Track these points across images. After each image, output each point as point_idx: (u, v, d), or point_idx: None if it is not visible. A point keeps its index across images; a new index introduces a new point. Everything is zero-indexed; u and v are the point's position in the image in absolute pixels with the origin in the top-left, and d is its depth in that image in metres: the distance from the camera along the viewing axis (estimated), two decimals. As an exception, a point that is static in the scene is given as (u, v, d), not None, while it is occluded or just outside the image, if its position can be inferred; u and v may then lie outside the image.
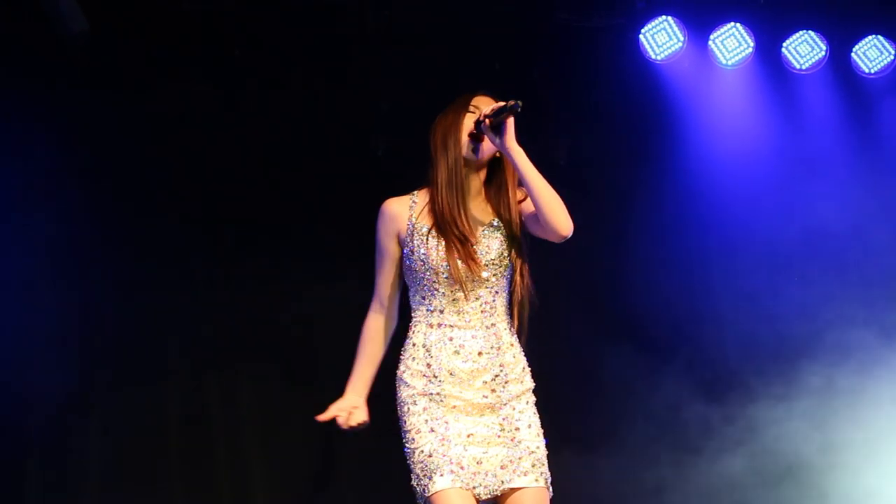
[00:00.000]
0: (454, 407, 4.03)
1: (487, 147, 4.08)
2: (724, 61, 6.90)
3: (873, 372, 6.75)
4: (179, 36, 6.30)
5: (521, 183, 4.12)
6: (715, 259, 6.82)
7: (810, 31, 6.94)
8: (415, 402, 4.05)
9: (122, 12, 6.21)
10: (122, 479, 6.16)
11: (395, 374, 4.12)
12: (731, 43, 6.88)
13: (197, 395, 6.33)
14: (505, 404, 4.05)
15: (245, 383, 6.37)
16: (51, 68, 6.11)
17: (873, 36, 7.00)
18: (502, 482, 3.99)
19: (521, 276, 4.14)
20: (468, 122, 4.09)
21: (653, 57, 6.85)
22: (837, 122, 7.02)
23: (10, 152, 6.10)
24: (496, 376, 4.06)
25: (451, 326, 4.07)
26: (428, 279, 4.07)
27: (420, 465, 3.98)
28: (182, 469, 6.27)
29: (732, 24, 6.87)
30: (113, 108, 6.22)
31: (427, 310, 4.09)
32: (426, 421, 4.01)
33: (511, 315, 4.14)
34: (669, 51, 6.85)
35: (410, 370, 4.07)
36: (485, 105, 4.10)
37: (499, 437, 4.02)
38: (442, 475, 3.94)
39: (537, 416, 4.10)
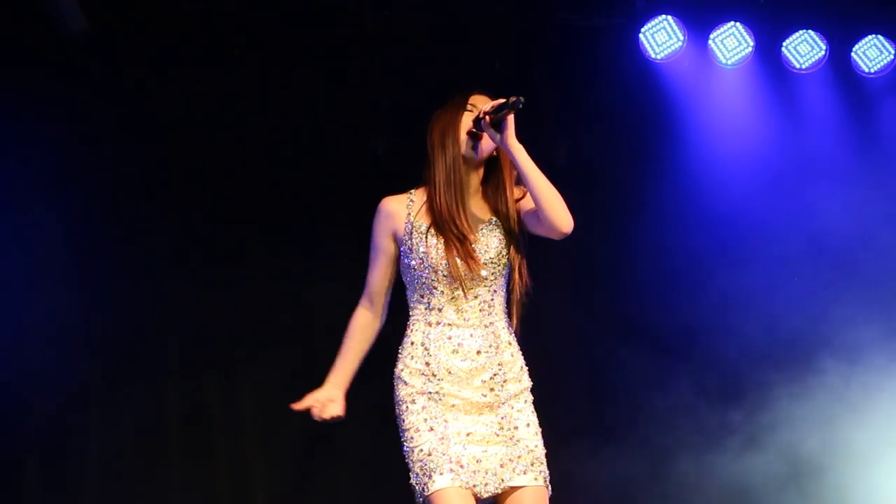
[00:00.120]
0: (453, 406, 4.02)
1: (486, 145, 4.07)
2: (723, 60, 6.90)
3: (886, 370, 6.76)
4: (179, 36, 6.30)
5: (519, 181, 4.12)
6: (714, 257, 6.82)
7: (810, 31, 6.95)
8: (413, 400, 4.04)
9: (122, 12, 6.22)
10: (122, 479, 6.17)
11: (393, 372, 4.11)
12: (731, 42, 6.88)
13: (197, 395, 6.33)
14: (503, 403, 4.05)
15: (245, 383, 6.37)
16: (50, 68, 6.11)
17: (873, 35, 7.00)
18: (502, 480, 3.98)
19: (520, 274, 4.13)
20: (466, 121, 4.08)
21: (653, 56, 6.85)
22: (837, 121, 7.02)
23: (9, 152, 6.10)
24: (494, 375, 4.06)
25: (449, 325, 4.06)
26: (427, 277, 4.07)
27: (419, 464, 3.97)
28: (182, 469, 6.27)
29: (732, 23, 6.87)
30: (113, 107, 6.23)
31: (426, 308, 4.09)
32: (425, 420, 4.00)
33: (509, 314, 4.14)
34: (669, 50, 6.85)
35: (409, 369, 4.07)
36: (482, 103, 4.09)
37: (497, 435, 4.02)
38: (441, 474, 3.93)
39: (535, 414, 4.09)
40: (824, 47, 6.96)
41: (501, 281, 4.11)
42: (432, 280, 4.06)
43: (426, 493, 3.93)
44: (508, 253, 4.10)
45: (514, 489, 4.00)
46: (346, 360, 4.19)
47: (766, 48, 6.94)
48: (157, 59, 6.26)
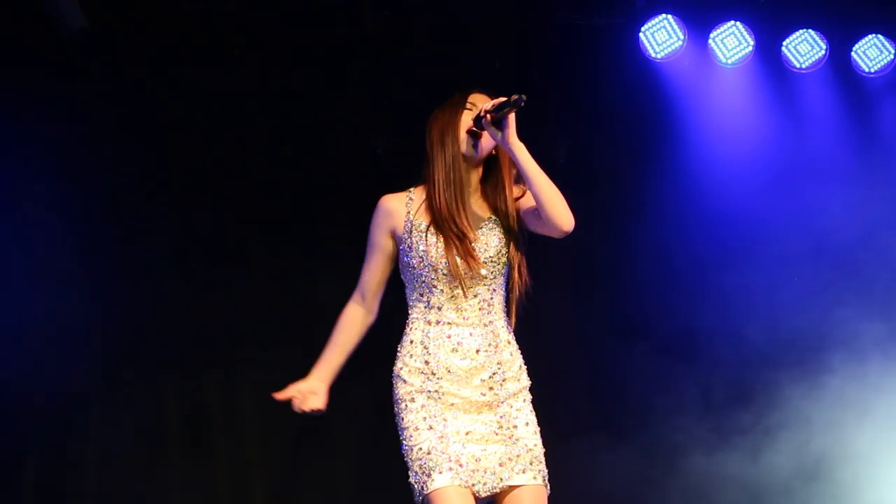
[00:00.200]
0: (452, 404, 4.01)
1: (486, 143, 4.07)
2: (724, 60, 6.90)
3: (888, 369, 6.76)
4: (179, 36, 6.30)
5: (518, 179, 4.12)
6: (714, 256, 6.82)
7: (810, 30, 6.95)
8: (413, 399, 4.03)
9: (121, 12, 6.22)
10: (122, 479, 6.16)
11: (392, 371, 4.11)
12: (731, 41, 6.88)
13: (197, 395, 6.33)
14: (502, 402, 4.04)
15: (245, 383, 6.37)
16: (50, 67, 6.11)
17: (873, 35, 7.01)
18: (501, 479, 3.98)
19: (519, 273, 4.13)
20: (466, 119, 4.07)
21: (653, 55, 6.85)
22: (837, 121, 7.02)
23: (9, 151, 6.10)
24: (493, 374, 4.05)
25: (449, 324, 4.06)
26: (426, 276, 4.06)
27: (418, 463, 3.96)
28: (182, 468, 6.26)
29: (732, 22, 6.87)
30: (113, 107, 6.23)
31: (425, 307, 4.08)
32: (424, 418, 4.00)
33: (508, 312, 4.13)
34: (669, 49, 6.85)
35: (408, 367, 4.06)
36: (481, 102, 4.09)
37: (497, 434, 4.01)
38: (441, 473, 3.93)
39: (534, 413, 4.09)
40: (824, 47, 6.96)
41: (501, 280, 4.11)
42: (432, 279, 4.06)
43: (425, 492, 3.92)
44: (508, 251, 4.10)
45: (512, 488, 3.99)
46: (333, 354, 4.18)
47: (766, 47, 6.94)
48: (157, 59, 6.27)
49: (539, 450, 4.05)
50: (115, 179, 6.26)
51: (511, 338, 4.12)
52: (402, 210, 4.12)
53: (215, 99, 6.36)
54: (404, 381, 4.06)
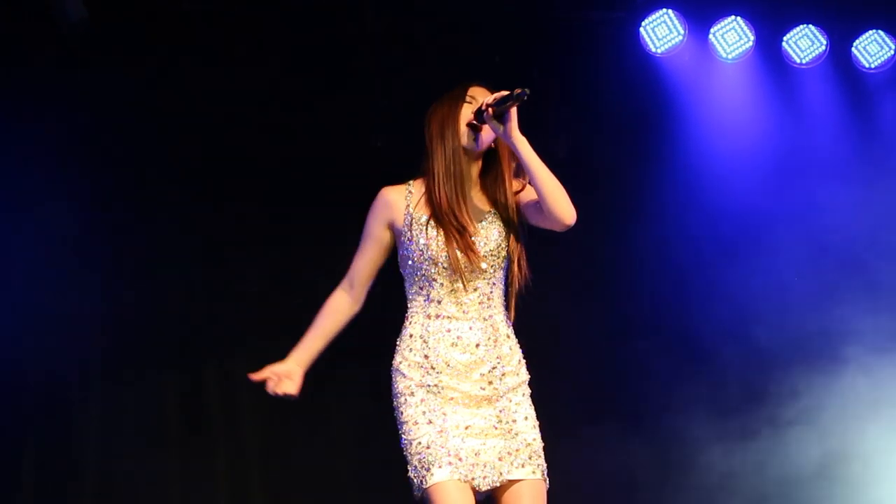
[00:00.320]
0: (451, 398, 4.01)
1: (486, 136, 4.06)
2: (724, 55, 6.90)
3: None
4: (180, 35, 6.29)
5: (517, 173, 4.12)
6: (713, 251, 6.82)
7: (811, 26, 6.95)
8: (412, 393, 4.02)
9: (121, 12, 6.21)
10: (121, 477, 6.15)
11: (391, 365, 4.10)
12: (732, 37, 6.89)
13: (197, 393, 6.32)
14: (502, 396, 4.03)
15: (245, 382, 6.32)
16: (50, 58, 6.11)
17: (874, 31, 7.01)
18: (500, 473, 3.98)
19: (519, 266, 4.12)
20: (465, 112, 4.07)
21: (653, 50, 6.85)
22: (837, 116, 7.02)
23: (8, 144, 6.09)
24: (493, 368, 4.05)
25: (448, 318, 4.05)
26: (426, 269, 4.05)
27: (417, 457, 3.96)
28: (181, 466, 6.26)
29: (733, 17, 6.87)
30: (113, 101, 6.22)
31: (424, 300, 4.07)
32: (424, 412, 3.99)
33: (507, 306, 4.13)
34: (670, 44, 6.85)
35: (407, 361, 4.05)
36: (480, 95, 4.09)
37: (496, 428, 4.01)
38: (440, 467, 3.92)
39: (533, 408, 4.08)
40: (825, 42, 6.96)
41: (500, 273, 4.10)
42: (432, 272, 4.05)
43: (424, 486, 3.92)
44: (507, 245, 4.09)
45: (511, 482, 3.99)
46: (314, 340, 4.18)
47: (766, 43, 6.94)
48: (157, 58, 6.25)
49: (538, 444, 4.04)
50: (115, 174, 6.25)
51: (510, 332, 4.12)
52: (401, 203, 4.11)
53: (215, 95, 6.35)
54: (403, 375, 4.05)
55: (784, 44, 6.97)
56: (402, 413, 4.02)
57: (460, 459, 3.94)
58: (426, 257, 4.04)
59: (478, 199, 4.12)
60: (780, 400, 6.80)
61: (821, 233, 6.83)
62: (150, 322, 6.25)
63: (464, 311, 4.06)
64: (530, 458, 4.01)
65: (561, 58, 6.73)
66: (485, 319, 4.07)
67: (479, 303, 4.07)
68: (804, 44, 6.97)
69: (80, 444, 6.17)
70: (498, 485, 3.99)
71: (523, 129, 3.97)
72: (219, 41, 6.36)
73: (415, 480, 3.96)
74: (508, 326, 4.11)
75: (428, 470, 3.93)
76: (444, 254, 4.03)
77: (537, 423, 4.07)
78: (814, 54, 6.97)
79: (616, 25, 6.78)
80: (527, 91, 3.89)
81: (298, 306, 6.26)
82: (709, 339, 6.79)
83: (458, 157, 4.06)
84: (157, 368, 6.27)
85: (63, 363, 6.13)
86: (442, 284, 4.06)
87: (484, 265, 4.06)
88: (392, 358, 4.10)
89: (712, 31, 6.89)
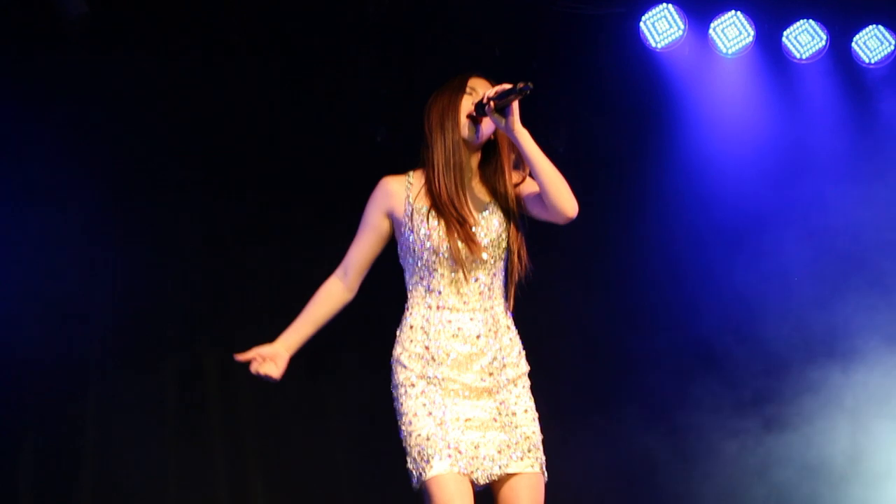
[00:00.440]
0: (452, 390, 4.00)
1: (486, 128, 4.06)
2: (724, 50, 6.90)
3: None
4: (179, 24, 6.29)
5: (517, 165, 4.12)
6: (712, 243, 6.82)
7: (811, 21, 6.95)
8: (413, 384, 4.02)
9: (122, 5, 6.22)
10: (120, 474, 6.15)
11: (392, 356, 4.11)
12: (732, 31, 6.89)
13: (197, 390, 6.31)
14: (502, 388, 4.04)
15: (245, 377, 6.32)
16: (50, 53, 6.10)
17: (874, 26, 7.01)
18: (499, 466, 3.98)
19: (519, 257, 4.12)
20: (465, 104, 4.06)
21: (653, 45, 6.86)
22: (837, 111, 7.02)
23: (8, 138, 6.09)
24: (494, 359, 4.05)
25: (449, 309, 4.05)
26: (427, 259, 4.05)
27: (417, 449, 3.95)
28: (180, 461, 6.26)
29: (733, 12, 6.87)
30: (113, 93, 6.21)
31: (425, 290, 4.07)
32: (424, 404, 3.99)
33: (507, 297, 4.14)
34: (670, 39, 6.86)
35: (408, 352, 4.05)
36: (480, 86, 4.09)
37: (496, 421, 4.01)
38: (440, 459, 3.92)
39: (532, 400, 4.09)
40: (825, 37, 6.96)
41: (501, 264, 4.10)
42: (433, 262, 4.05)
43: (423, 478, 3.92)
44: (507, 236, 4.09)
45: (510, 475, 3.99)
46: (304, 325, 4.17)
47: (766, 38, 6.94)
48: (157, 47, 6.25)
49: (537, 437, 4.05)
50: (115, 167, 6.25)
51: (510, 323, 4.12)
52: (402, 193, 4.11)
53: (215, 88, 6.34)
54: (404, 367, 4.05)
55: (784, 39, 6.97)
56: (401, 404, 4.01)
57: (460, 452, 3.95)
58: (427, 247, 4.04)
59: (478, 189, 4.12)
60: (790, 394, 6.80)
61: (818, 227, 6.83)
62: (149, 313, 6.25)
63: (464, 302, 4.06)
64: (529, 452, 4.01)
65: (561, 52, 6.73)
66: (485, 310, 4.07)
67: (480, 293, 4.07)
68: (804, 39, 6.98)
69: (80, 434, 6.16)
70: (496, 478, 4.00)
71: (523, 123, 3.97)
72: (219, 34, 6.36)
73: (414, 472, 3.95)
74: (508, 317, 4.11)
75: (427, 462, 3.93)
76: (446, 244, 4.02)
77: (537, 415, 4.06)
78: (814, 49, 6.97)
79: (616, 20, 6.78)
80: (530, 85, 3.89)
81: (298, 299, 6.33)
82: (712, 330, 6.80)
83: (458, 148, 4.06)
84: (157, 359, 6.26)
85: (63, 359, 6.12)
86: (443, 275, 4.05)
87: (485, 255, 4.06)
88: (392, 349, 4.10)
89: (712, 25, 6.89)
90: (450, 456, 3.93)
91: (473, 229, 4.04)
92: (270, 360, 4.11)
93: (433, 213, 4.04)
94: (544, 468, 4.04)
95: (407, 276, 4.12)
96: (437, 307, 4.05)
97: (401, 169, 4.19)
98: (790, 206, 6.89)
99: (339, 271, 4.21)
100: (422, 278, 4.08)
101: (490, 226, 4.07)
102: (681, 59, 6.88)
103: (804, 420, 6.76)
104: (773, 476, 6.75)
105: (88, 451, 6.15)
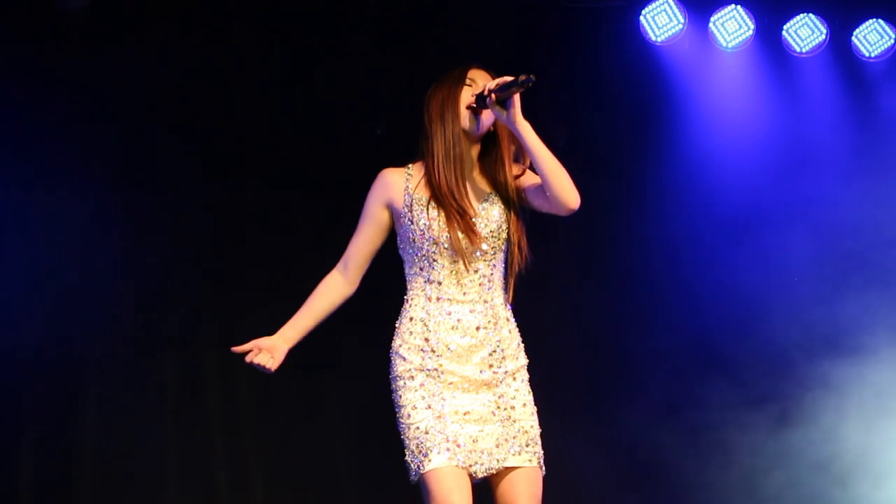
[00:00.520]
0: (451, 383, 4.00)
1: (486, 119, 4.06)
2: (724, 44, 6.90)
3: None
4: (179, 17, 6.29)
5: (517, 158, 4.12)
6: (712, 238, 6.82)
7: (811, 15, 6.95)
8: (412, 376, 4.02)
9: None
10: (119, 471, 6.15)
11: (391, 347, 4.10)
12: (732, 25, 6.89)
13: (196, 387, 6.31)
14: (501, 381, 4.04)
15: (244, 375, 6.34)
16: (50, 47, 6.10)
17: (874, 20, 7.01)
18: (497, 460, 3.98)
19: (520, 248, 4.12)
20: (465, 95, 4.06)
21: (653, 38, 6.85)
22: (837, 105, 7.02)
23: (8, 132, 6.09)
24: (493, 352, 4.05)
25: (449, 300, 4.05)
26: (427, 250, 4.04)
27: (415, 442, 3.95)
28: (179, 460, 6.26)
29: (733, 6, 6.87)
30: (113, 86, 6.21)
31: (425, 281, 4.07)
32: (423, 397, 3.99)
33: (507, 289, 4.14)
34: (670, 32, 6.85)
35: (407, 344, 4.05)
36: (480, 78, 4.09)
37: (494, 414, 4.01)
38: (439, 453, 3.92)
39: (531, 394, 4.09)
40: (825, 31, 6.96)
41: (500, 256, 4.10)
42: (433, 252, 4.05)
43: (422, 471, 3.91)
44: (507, 227, 4.10)
45: (508, 469, 3.99)
46: (305, 319, 4.18)
47: (766, 32, 6.94)
48: (157, 40, 6.24)
49: (535, 431, 4.05)
50: (114, 164, 6.23)
51: (510, 315, 4.12)
52: (401, 184, 4.11)
53: (216, 82, 6.34)
54: (403, 359, 4.05)
55: (784, 33, 6.96)
56: (400, 396, 4.02)
57: (458, 445, 3.95)
58: (427, 237, 4.04)
59: (478, 180, 4.12)
60: (796, 392, 6.80)
61: (817, 222, 6.83)
62: (149, 305, 6.25)
63: (464, 293, 4.05)
64: (527, 446, 4.01)
65: (561, 45, 6.73)
66: (485, 302, 4.07)
67: (480, 285, 4.07)
68: (804, 33, 6.97)
69: (79, 427, 6.17)
70: (494, 471, 4.00)
71: (523, 115, 3.98)
72: (219, 27, 6.35)
73: (412, 465, 3.95)
74: (508, 309, 4.12)
75: (426, 455, 3.93)
76: (445, 234, 4.02)
77: (535, 409, 4.07)
78: (814, 43, 6.97)
79: (616, 13, 6.78)
80: (533, 77, 3.88)
81: (299, 295, 6.33)
82: (702, 329, 6.80)
83: (458, 139, 4.06)
84: (157, 351, 6.26)
85: (62, 355, 6.12)
86: (443, 266, 4.05)
87: (485, 246, 4.06)
88: (391, 341, 4.10)
89: (712, 19, 6.89)
90: (448, 450, 3.93)
91: (473, 220, 4.04)
92: (267, 351, 4.11)
93: (433, 203, 4.04)
94: (542, 462, 4.04)
95: (406, 268, 4.12)
96: (437, 298, 4.05)
97: (401, 163, 4.20)
98: (790, 200, 6.88)
99: (339, 265, 4.22)
100: (421, 269, 4.08)
101: (490, 216, 4.07)
102: (681, 52, 6.88)
103: (810, 417, 6.76)
104: (780, 474, 6.75)
105: (88, 450, 6.15)
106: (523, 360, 4.11)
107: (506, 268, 4.12)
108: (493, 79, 4.06)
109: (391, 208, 4.12)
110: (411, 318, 4.07)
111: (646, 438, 6.66)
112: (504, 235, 4.09)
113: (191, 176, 6.30)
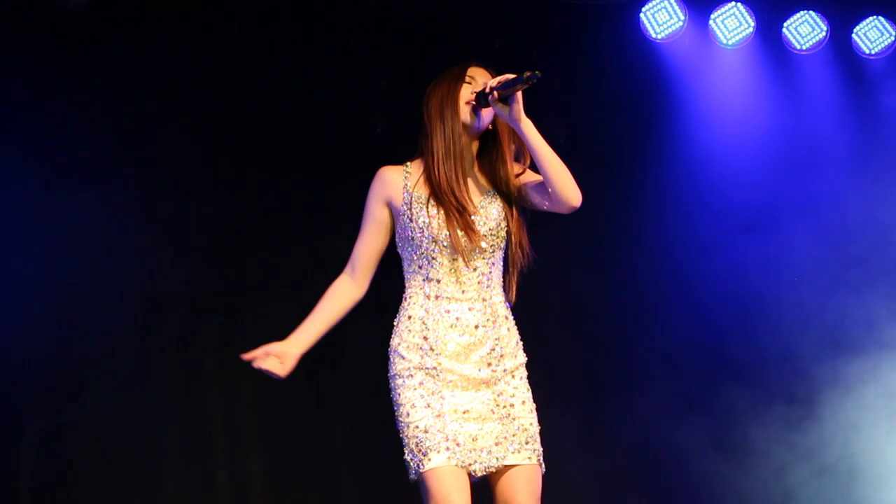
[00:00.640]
0: (450, 381, 4.00)
1: (486, 116, 4.05)
2: (724, 41, 6.89)
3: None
4: (178, 15, 6.28)
5: (518, 157, 4.12)
6: (712, 236, 6.82)
7: (811, 12, 6.95)
8: (411, 375, 4.01)
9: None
10: (119, 471, 6.15)
11: (389, 346, 4.10)
12: (732, 22, 6.88)
13: (196, 385, 6.31)
14: (500, 379, 4.04)
15: (245, 375, 6.33)
16: (50, 43, 6.10)
17: (874, 17, 7.00)
18: (497, 459, 3.98)
19: (521, 247, 4.11)
20: (465, 93, 4.06)
21: (653, 36, 6.85)
22: (837, 103, 7.01)
23: (8, 130, 6.09)
24: (492, 350, 4.04)
25: (448, 298, 4.04)
26: (426, 247, 4.04)
27: (414, 441, 3.95)
28: (179, 459, 6.25)
29: (733, 3, 6.87)
30: (113, 84, 6.21)
31: (423, 279, 4.06)
32: (422, 396, 3.98)
33: (506, 288, 4.13)
34: (670, 30, 6.85)
35: (406, 342, 4.04)
36: (479, 75, 4.09)
37: (493, 412, 4.01)
38: (438, 452, 3.91)
39: (530, 391, 4.08)
40: (825, 28, 6.95)
41: (500, 254, 4.10)
42: (432, 250, 4.04)
43: (421, 470, 3.91)
44: (507, 225, 4.09)
45: (507, 467, 3.99)
46: (316, 323, 4.16)
47: (766, 29, 6.93)
48: (156, 40, 6.24)
49: (534, 429, 4.04)
50: (114, 163, 6.23)
51: (508, 313, 4.11)
52: (399, 181, 4.10)
53: (215, 78, 6.34)
54: (402, 357, 4.04)
55: (784, 30, 6.96)
56: (399, 395, 4.01)
57: (458, 444, 3.94)
58: (427, 235, 4.03)
59: (477, 178, 4.11)
60: (806, 391, 6.80)
61: (817, 217, 6.83)
62: (148, 311, 6.24)
63: (462, 291, 4.05)
64: (526, 444, 4.01)
65: (561, 43, 6.72)
66: (484, 300, 4.06)
67: (479, 283, 4.07)
68: (804, 30, 6.96)
69: (77, 435, 6.16)
70: (494, 470, 3.99)
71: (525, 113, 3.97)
72: (218, 25, 6.35)
73: (411, 464, 3.94)
74: (507, 308, 4.11)
75: (425, 455, 3.92)
76: (445, 232, 4.02)
77: (534, 406, 4.07)
78: (814, 40, 6.96)
79: (616, 11, 6.77)
80: (537, 74, 3.87)
81: (300, 295, 6.32)
82: (700, 327, 6.80)
83: (458, 136, 4.05)
84: (157, 348, 6.26)
85: (59, 351, 6.12)
86: (442, 263, 4.04)
87: (484, 244, 4.05)
88: (390, 339, 4.09)
89: (712, 16, 6.88)
90: (448, 448, 3.92)
91: (473, 217, 4.03)
92: (277, 357, 4.09)
93: (432, 201, 4.03)
94: (542, 460, 4.04)
95: (405, 266, 4.11)
96: (436, 296, 4.04)
97: (401, 160, 4.19)
98: (791, 197, 6.88)
99: (347, 268, 4.20)
100: (420, 267, 4.07)
101: (489, 214, 4.07)
102: (681, 50, 6.87)
103: (817, 417, 6.76)
104: (790, 475, 6.74)
105: (88, 450, 6.14)
106: (522, 358, 4.10)
107: (505, 266, 4.11)
108: (493, 76, 4.06)
109: (390, 206, 4.12)
110: (410, 317, 4.06)
111: (646, 438, 6.66)
112: (503, 233, 4.09)
113: (191, 175, 6.30)
